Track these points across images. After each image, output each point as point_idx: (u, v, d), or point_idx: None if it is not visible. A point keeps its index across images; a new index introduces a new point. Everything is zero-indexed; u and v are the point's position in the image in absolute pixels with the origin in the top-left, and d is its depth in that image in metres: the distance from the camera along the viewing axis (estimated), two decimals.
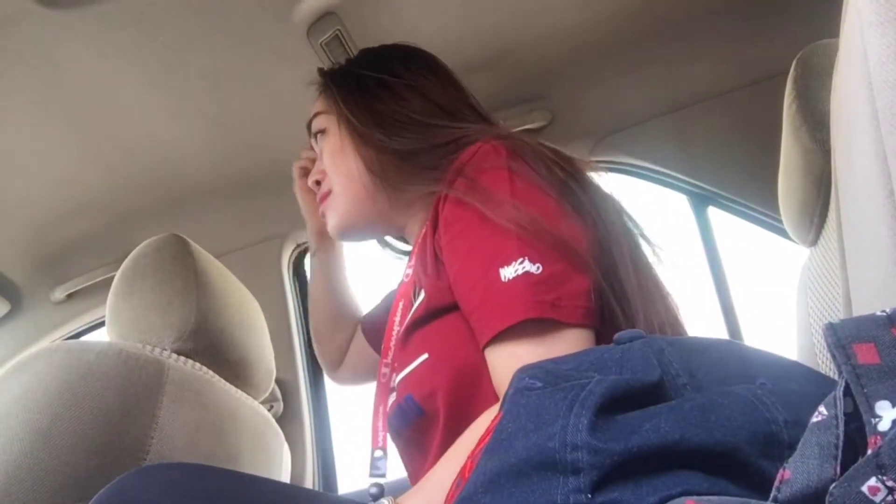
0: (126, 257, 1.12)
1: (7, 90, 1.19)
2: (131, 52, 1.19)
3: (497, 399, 0.73)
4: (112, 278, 1.11)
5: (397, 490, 0.78)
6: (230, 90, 1.31)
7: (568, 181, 0.81)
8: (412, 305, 0.85)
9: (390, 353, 0.87)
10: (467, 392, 0.76)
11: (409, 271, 0.89)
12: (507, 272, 0.71)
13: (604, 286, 0.74)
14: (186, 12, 1.13)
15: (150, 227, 1.32)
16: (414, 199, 0.96)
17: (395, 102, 0.95)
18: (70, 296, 1.65)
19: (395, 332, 0.87)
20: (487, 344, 0.72)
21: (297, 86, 1.31)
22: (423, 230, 0.88)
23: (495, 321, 0.71)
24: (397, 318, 0.88)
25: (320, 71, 1.07)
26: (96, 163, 1.41)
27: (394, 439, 0.86)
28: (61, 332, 1.68)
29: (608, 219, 0.81)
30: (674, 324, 0.81)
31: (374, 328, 1.17)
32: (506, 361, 0.70)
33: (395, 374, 0.85)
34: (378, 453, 0.84)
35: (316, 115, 1.04)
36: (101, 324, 1.68)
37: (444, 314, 0.80)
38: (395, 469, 0.86)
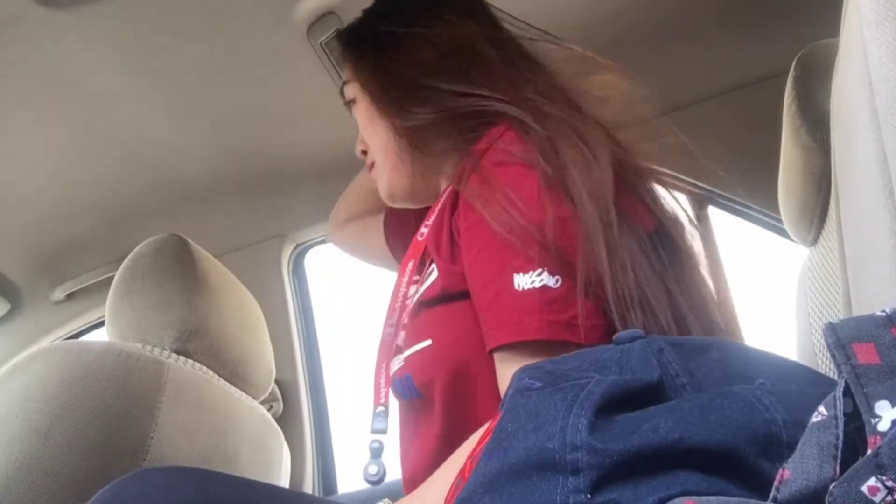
0: (126, 257, 1.12)
1: (7, 90, 1.19)
2: (131, 52, 1.19)
3: (497, 396, 0.71)
4: (112, 278, 1.11)
5: (395, 491, 0.78)
6: (230, 90, 1.31)
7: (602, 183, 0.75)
8: (421, 271, 0.83)
9: (395, 316, 0.84)
10: (466, 385, 0.75)
11: (425, 231, 0.85)
12: (523, 281, 0.68)
13: (625, 295, 0.70)
14: (186, 12, 1.13)
15: (150, 226, 1.32)
16: (456, 161, 0.87)
17: (406, 65, 0.88)
18: (70, 296, 1.65)
19: (400, 295, 0.84)
20: (495, 349, 0.70)
21: (297, 85, 1.32)
22: (444, 197, 0.83)
23: (505, 331, 0.68)
24: (404, 280, 0.84)
25: (338, 33, 1.02)
26: (96, 163, 1.41)
27: (397, 399, 0.84)
28: (61, 332, 1.68)
29: (662, 216, 0.78)
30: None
31: (396, 228, 1.15)
32: (509, 372, 0.68)
33: (403, 343, 0.82)
34: (379, 409, 0.82)
35: (344, 84, 1.00)
36: (101, 324, 1.68)
37: (455, 300, 0.76)
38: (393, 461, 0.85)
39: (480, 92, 0.83)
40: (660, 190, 0.82)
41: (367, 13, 1.00)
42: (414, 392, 0.79)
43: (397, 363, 0.83)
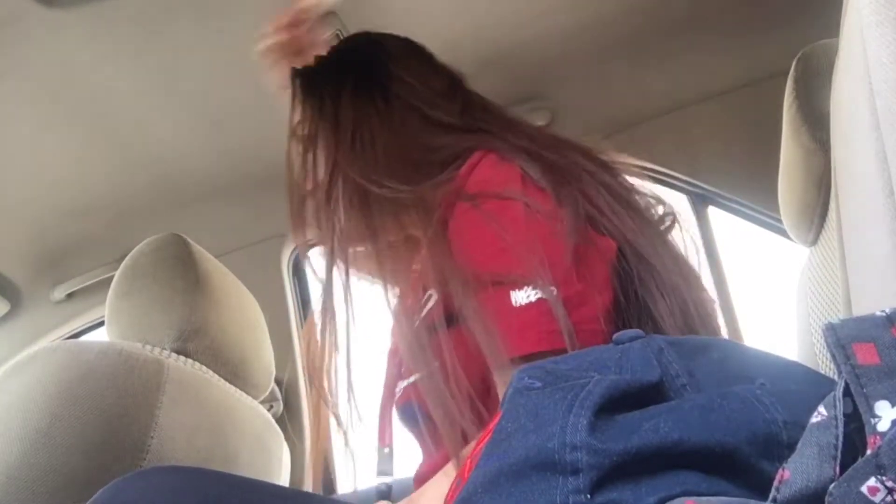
0: (126, 257, 1.12)
1: (7, 90, 1.19)
2: (131, 52, 1.19)
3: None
4: (112, 278, 1.11)
5: (402, 490, 0.78)
6: (230, 89, 1.31)
7: (586, 183, 0.77)
8: (419, 303, 0.82)
9: (397, 353, 0.84)
10: (479, 402, 0.73)
11: (418, 266, 0.85)
12: (519, 297, 0.68)
13: (621, 300, 0.72)
14: (186, 12, 1.13)
15: (150, 226, 1.32)
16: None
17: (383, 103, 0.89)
18: (70, 295, 1.65)
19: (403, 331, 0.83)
20: (496, 367, 0.70)
21: None
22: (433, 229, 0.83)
23: (508, 347, 0.68)
24: (403, 318, 0.83)
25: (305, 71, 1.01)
26: (96, 162, 1.41)
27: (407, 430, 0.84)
28: (61, 332, 1.68)
29: (634, 223, 0.78)
30: (701, 324, 0.78)
31: None
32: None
33: (402, 379, 0.82)
34: (385, 451, 0.82)
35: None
36: (101, 323, 1.67)
37: (454, 324, 0.76)
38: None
39: (448, 138, 0.86)
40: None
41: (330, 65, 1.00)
42: (418, 417, 0.77)
43: (400, 392, 0.82)
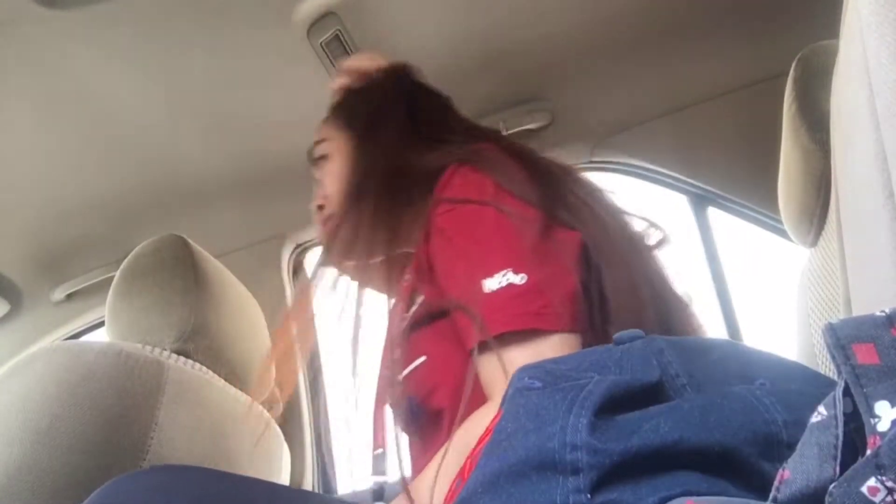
0: (126, 257, 1.12)
1: (7, 90, 1.19)
2: (131, 53, 1.19)
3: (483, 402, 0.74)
4: (112, 278, 1.11)
5: (396, 490, 0.78)
6: (230, 90, 1.31)
7: (554, 185, 0.84)
8: (408, 309, 0.86)
9: (389, 358, 0.87)
10: (455, 398, 0.76)
11: (408, 277, 0.90)
12: (491, 283, 0.73)
13: (591, 290, 0.76)
14: (186, 13, 1.13)
15: (150, 227, 1.32)
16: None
17: (398, 127, 0.98)
18: (70, 296, 1.65)
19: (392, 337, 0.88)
20: (472, 350, 0.73)
21: (297, 86, 1.32)
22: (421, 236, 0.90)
23: (478, 330, 0.72)
24: (394, 324, 0.88)
25: (339, 100, 1.10)
26: (96, 163, 1.41)
27: (405, 434, 0.87)
28: (61, 333, 1.68)
29: (601, 219, 0.83)
30: (678, 326, 0.81)
31: None
32: (489, 367, 0.72)
33: (395, 376, 0.85)
34: (378, 452, 0.84)
35: (317, 143, 1.07)
36: (101, 324, 1.68)
37: (442, 318, 0.81)
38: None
39: (443, 148, 0.93)
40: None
41: (364, 88, 1.08)
42: (417, 411, 0.81)
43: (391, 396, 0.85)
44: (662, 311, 0.80)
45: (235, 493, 0.70)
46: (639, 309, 0.77)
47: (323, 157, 1.05)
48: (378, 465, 0.83)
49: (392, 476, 0.83)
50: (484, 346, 0.72)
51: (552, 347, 0.71)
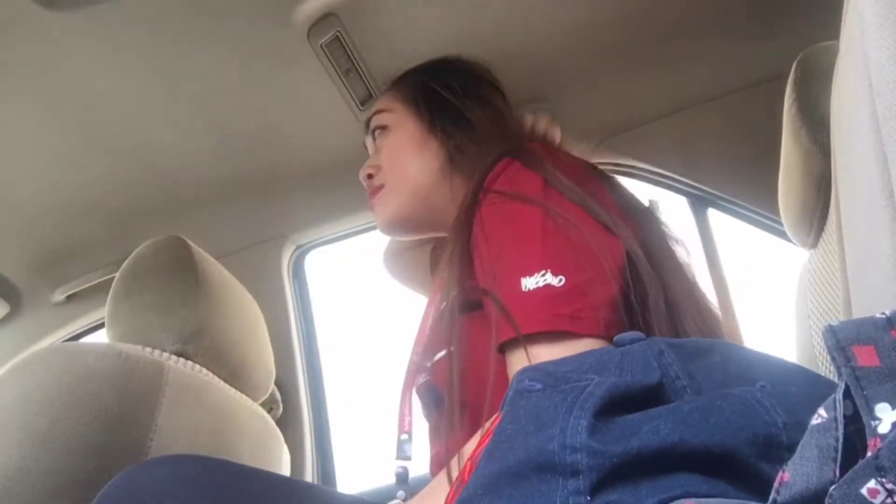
0: (126, 259, 1.12)
1: (7, 91, 1.19)
2: (131, 54, 1.19)
3: None
4: (112, 280, 1.11)
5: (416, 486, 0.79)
6: (230, 91, 1.31)
7: (600, 191, 0.84)
8: (443, 298, 0.87)
9: (420, 345, 0.89)
10: (487, 388, 0.76)
11: (444, 266, 0.91)
12: (529, 283, 0.73)
13: (632, 298, 0.75)
14: (186, 13, 1.13)
15: (150, 228, 1.32)
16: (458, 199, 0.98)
17: (461, 112, 1.02)
18: (70, 297, 1.65)
19: (426, 327, 0.89)
20: (503, 346, 0.74)
21: (297, 87, 1.32)
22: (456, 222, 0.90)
23: (513, 326, 0.72)
24: (431, 313, 0.90)
25: (400, 76, 1.14)
26: (96, 164, 1.41)
27: (424, 417, 0.89)
28: (61, 334, 1.68)
29: (641, 229, 0.83)
30: (708, 334, 0.81)
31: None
32: (518, 364, 0.71)
33: (425, 362, 0.88)
34: (404, 437, 0.86)
35: (377, 112, 1.09)
36: (101, 325, 1.68)
37: (474, 309, 0.81)
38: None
39: (504, 139, 0.96)
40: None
41: (420, 67, 1.14)
42: (438, 397, 0.82)
43: (421, 378, 0.87)
44: (701, 326, 0.81)
45: (242, 482, 0.71)
46: (679, 322, 0.77)
47: (381, 128, 1.07)
48: (402, 449, 0.85)
49: (415, 461, 0.84)
50: (514, 344, 0.72)
51: (581, 351, 0.69)
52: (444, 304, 0.85)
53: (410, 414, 0.86)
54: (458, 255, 0.85)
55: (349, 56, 1.25)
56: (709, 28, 1.34)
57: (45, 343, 1.65)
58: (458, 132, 1.01)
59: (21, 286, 1.63)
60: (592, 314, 0.71)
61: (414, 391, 0.87)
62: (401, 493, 0.81)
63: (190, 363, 1.04)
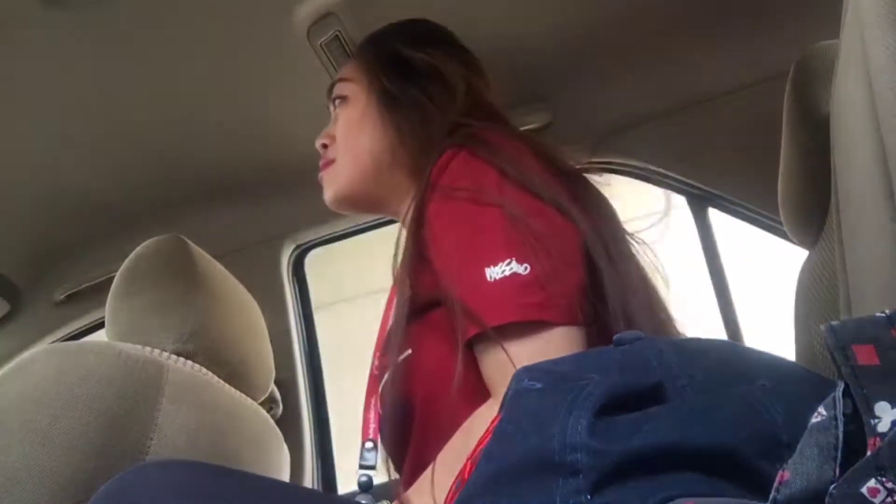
0: (126, 258, 1.12)
1: (6, 91, 1.19)
2: (131, 53, 1.19)
3: (472, 398, 0.73)
4: (112, 279, 1.11)
5: (391, 493, 0.78)
6: (230, 91, 1.31)
7: (557, 179, 0.81)
8: (402, 299, 0.84)
9: (382, 347, 0.86)
10: (438, 393, 0.75)
11: (398, 267, 0.88)
12: (494, 272, 0.71)
13: (588, 287, 0.75)
14: (186, 13, 1.13)
15: (150, 228, 1.32)
16: (412, 185, 0.94)
17: (424, 87, 0.96)
18: (70, 297, 1.64)
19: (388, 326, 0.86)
20: (471, 341, 0.72)
21: (297, 86, 1.32)
22: (408, 219, 0.87)
23: (481, 320, 0.70)
24: (391, 312, 0.87)
25: (367, 39, 1.07)
26: (96, 164, 1.41)
27: (381, 431, 0.86)
28: (61, 333, 1.68)
29: (598, 219, 0.82)
30: (660, 328, 0.81)
31: None
32: (492, 359, 0.71)
33: (386, 366, 0.85)
34: (368, 445, 0.84)
35: (341, 80, 1.05)
36: (101, 325, 1.67)
37: (428, 311, 0.79)
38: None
39: (467, 121, 0.90)
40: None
41: (390, 32, 1.06)
42: (400, 406, 0.80)
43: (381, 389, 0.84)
44: (657, 325, 0.80)
45: (241, 487, 0.70)
46: (634, 313, 0.76)
47: (341, 98, 1.03)
48: (366, 457, 0.83)
49: (379, 469, 0.83)
50: (484, 338, 0.71)
51: (556, 340, 0.69)
52: (399, 305, 0.82)
53: (375, 421, 0.84)
54: (410, 254, 0.82)
55: (349, 55, 1.25)
56: (709, 28, 1.34)
57: (45, 342, 1.65)
58: (413, 112, 0.94)
59: (21, 285, 1.62)
60: (563, 301, 0.70)
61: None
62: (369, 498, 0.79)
63: (190, 363, 1.04)
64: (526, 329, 0.69)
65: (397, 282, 0.84)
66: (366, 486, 0.81)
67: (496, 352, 0.70)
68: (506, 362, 0.68)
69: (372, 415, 0.85)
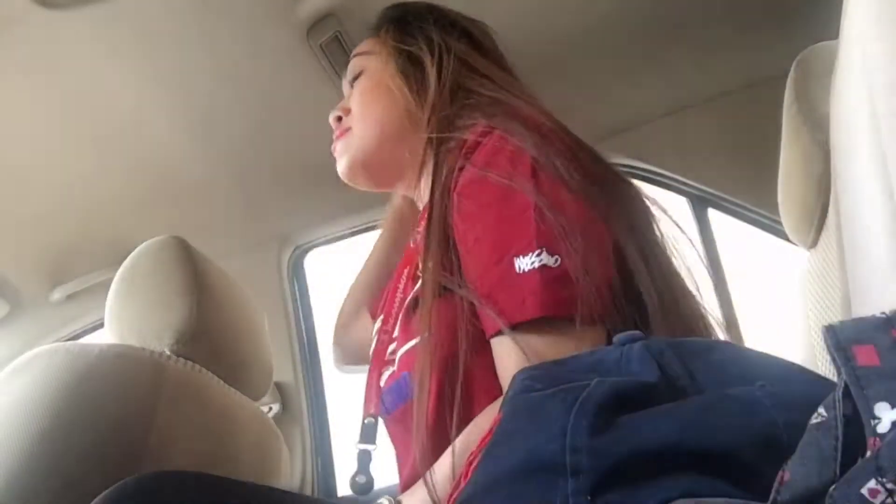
0: (125, 259, 1.12)
1: (6, 91, 1.19)
2: (131, 54, 1.19)
3: (489, 392, 0.71)
4: (111, 280, 1.11)
5: (392, 492, 0.78)
6: (230, 91, 1.31)
7: (591, 176, 0.77)
8: (414, 276, 0.82)
9: (391, 321, 0.84)
10: (458, 378, 0.72)
11: (419, 236, 0.85)
12: (523, 263, 0.68)
13: (618, 287, 0.71)
14: (186, 13, 1.13)
15: (150, 228, 1.32)
16: (429, 157, 0.90)
17: (441, 55, 0.94)
18: (69, 297, 1.65)
19: (397, 299, 0.84)
20: (496, 334, 0.69)
21: (297, 87, 1.32)
22: (435, 198, 0.84)
23: (508, 313, 0.68)
24: (401, 285, 0.84)
25: (384, 11, 1.06)
26: (96, 164, 1.41)
27: (382, 416, 0.84)
28: (60, 334, 1.68)
29: (631, 219, 0.78)
30: (696, 330, 0.78)
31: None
32: (514, 355, 0.67)
33: (395, 346, 0.82)
34: (369, 420, 0.82)
35: (357, 55, 1.04)
36: (101, 325, 1.68)
37: (448, 293, 0.75)
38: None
39: (483, 91, 0.90)
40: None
41: (409, 5, 1.05)
42: (408, 391, 0.77)
43: (390, 369, 0.82)
44: (690, 321, 0.78)
45: (240, 499, 0.70)
46: (670, 314, 0.74)
47: (357, 75, 1.02)
48: (367, 433, 0.82)
49: (377, 443, 0.82)
50: (508, 332, 0.67)
51: (579, 340, 0.66)
52: (419, 286, 0.78)
53: (377, 396, 0.82)
54: (437, 234, 0.78)
55: (348, 56, 1.25)
56: (709, 28, 1.34)
57: (44, 343, 1.64)
58: (429, 79, 0.92)
59: (21, 286, 1.62)
60: (589, 300, 0.67)
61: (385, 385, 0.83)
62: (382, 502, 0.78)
63: (189, 363, 1.04)
64: (550, 325, 0.67)
65: (421, 261, 0.80)
66: (365, 462, 0.80)
67: (516, 348, 0.67)
68: (530, 358, 0.65)
69: (374, 391, 0.83)
